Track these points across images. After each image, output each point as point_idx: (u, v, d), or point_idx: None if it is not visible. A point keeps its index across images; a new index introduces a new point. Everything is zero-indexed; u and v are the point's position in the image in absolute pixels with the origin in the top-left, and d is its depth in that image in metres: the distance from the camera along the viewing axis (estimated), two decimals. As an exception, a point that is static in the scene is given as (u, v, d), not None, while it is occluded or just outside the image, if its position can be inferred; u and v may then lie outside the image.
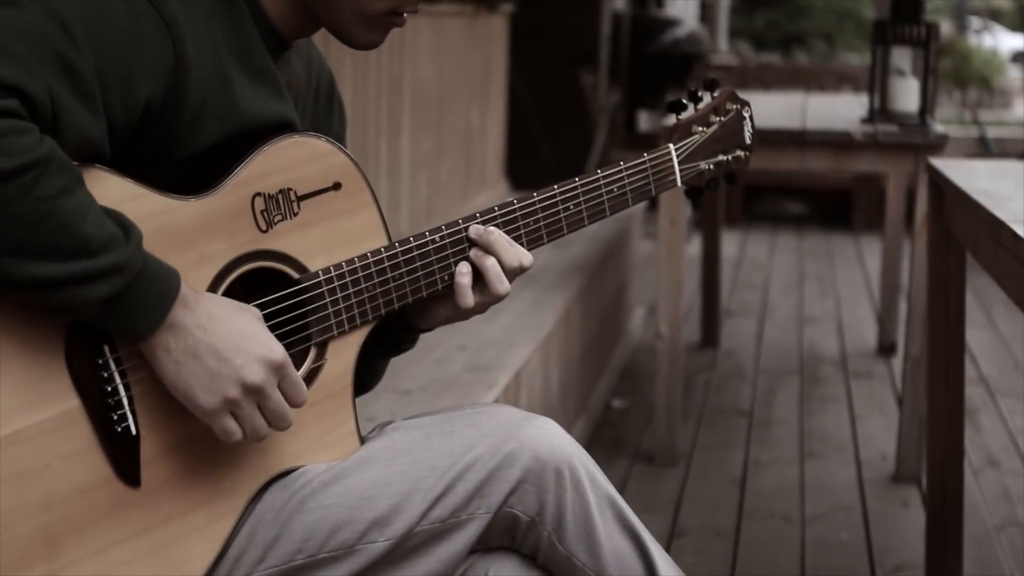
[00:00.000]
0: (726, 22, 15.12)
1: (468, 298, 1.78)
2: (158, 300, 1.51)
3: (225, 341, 1.55)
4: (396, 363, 1.99)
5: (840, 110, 4.92)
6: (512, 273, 1.79)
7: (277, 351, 1.58)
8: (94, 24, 1.49)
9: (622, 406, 4.83)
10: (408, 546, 1.68)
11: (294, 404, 1.61)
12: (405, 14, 1.73)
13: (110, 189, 1.53)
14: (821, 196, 9.30)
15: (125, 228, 1.50)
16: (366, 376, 1.90)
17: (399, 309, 1.78)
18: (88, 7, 1.50)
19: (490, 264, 1.77)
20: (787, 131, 4.15)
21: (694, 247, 6.85)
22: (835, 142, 4.12)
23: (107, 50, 1.50)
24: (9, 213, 1.41)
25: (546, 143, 7.45)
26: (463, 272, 1.77)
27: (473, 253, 1.78)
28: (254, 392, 1.56)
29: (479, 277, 1.78)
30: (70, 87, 1.46)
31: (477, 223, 1.79)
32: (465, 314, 1.80)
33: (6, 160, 1.40)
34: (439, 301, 1.82)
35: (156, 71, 1.54)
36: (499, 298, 1.79)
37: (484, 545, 1.72)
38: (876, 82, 4.31)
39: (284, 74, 1.76)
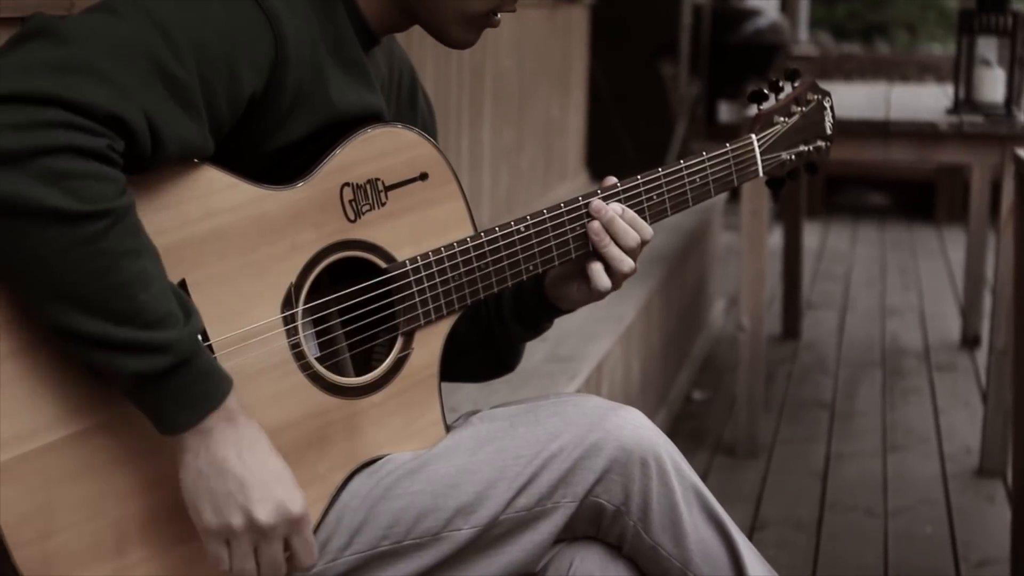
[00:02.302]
0: (807, 12, 14.98)
1: (605, 280, 1.80)
2: (197, 400, 1.46)
3: (254, 474, 1.49)
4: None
5: (924, 101, 4.87)
6: (633, 252, 1.81)
7: (298, 504, 1.52)
8: (196, 28, 1.49)
9: (703, 398, 4.82)
10: (493, 534, 1.68)
11: (300, 566, 1.55)
12: (499, 14, 1.74)
13: (203, 178, 1.55)
14: (903, 187, 9.20)
15: (187, 311, 1.47)
16: (509, 355, 1.94)
17: (533, 291, 1.85)
18: (189, 8, 1.50)
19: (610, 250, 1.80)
20: (871, 122, 4.12)
21: (775, 238, 6.81)
22: (919, 133, 4.09)
23: (210, 52, 1.50)
24: (67, 257, 1.38)
25: (626, 134, 7.43)
26: (594, 261, 1.80)
27: (594, 240, 1.79)
28: (257, 531, 1.50)
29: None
30: (170, 97, 1.46)
31: (564, 210, 1.79)
32: (601, 295, 1.82)
33: (75, 202, 1.37)
34: (572, 282, 1.84)
35: (258, 65, 1.55)
36: (625, 275, 1.81)
37: (569, 534, 1.72)
38: (961, 72, 4.27)
39: (372, 68, 1.77)
